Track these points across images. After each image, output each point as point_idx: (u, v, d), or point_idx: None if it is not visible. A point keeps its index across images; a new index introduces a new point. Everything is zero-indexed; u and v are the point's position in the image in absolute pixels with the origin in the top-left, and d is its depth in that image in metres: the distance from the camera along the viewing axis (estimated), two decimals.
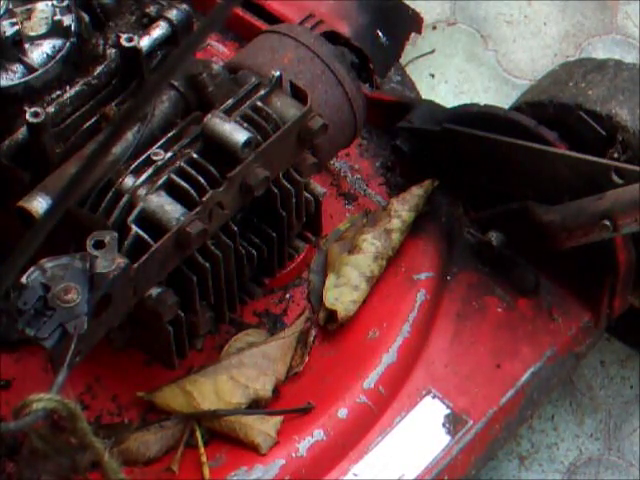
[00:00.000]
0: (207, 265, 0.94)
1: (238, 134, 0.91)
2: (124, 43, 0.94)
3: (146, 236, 0.88)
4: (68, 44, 0.94)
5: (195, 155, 0.92)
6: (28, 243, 0.47)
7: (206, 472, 1.00)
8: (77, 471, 0.90)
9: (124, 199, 0.89)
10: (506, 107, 1.16)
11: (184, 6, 1.00)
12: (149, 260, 0.86)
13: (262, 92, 0.97)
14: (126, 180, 0.90)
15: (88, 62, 0.96)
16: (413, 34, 1.39)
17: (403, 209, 1.14)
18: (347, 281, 1.10)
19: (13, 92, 0.92)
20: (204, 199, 0.90)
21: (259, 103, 0.96)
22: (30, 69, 0.92)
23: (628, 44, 1.65)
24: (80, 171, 0.45)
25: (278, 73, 0.98)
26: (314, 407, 1.04)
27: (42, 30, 0.94)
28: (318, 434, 1.02)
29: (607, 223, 1.02)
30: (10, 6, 0.95)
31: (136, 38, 0.94)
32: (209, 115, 0.92)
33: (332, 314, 1.09)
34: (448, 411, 1.07)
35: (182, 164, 0.91)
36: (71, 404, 0.75)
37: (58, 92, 0.93)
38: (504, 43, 1.65)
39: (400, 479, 1.04)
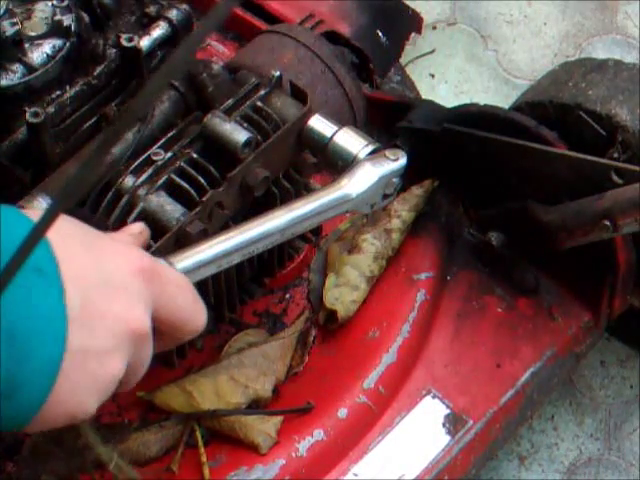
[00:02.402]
0: None
1: (238, 134, 0.91)
2: (124, 43, 0.94)
3: None
4: (68, 44, 0.94)
5: (195, 155, 0.92)
6: (27, 242, 0.47)
7: (206, 472, 1.00)
8: (83, 469, 0.90)
9: (124, 199, 0.89)
10: (506, 107, 1.16)
11: (184, 6, 1.00)
12: None
13: (262, 92, 0.97)
14: (126, 180, 0.90)
15: (88, 62, 0.95)
16: (413, 34, 1.39)
17: (403, 209, 1.14)
18: (347, 281, 1.10)
19: (13, 92, 0.92)
20: (204, 199, 0.90)
21: (259, 103, 0.96)
22: (30, 69, 0.92)
23: (628, 44, 1.65)
24: (80, 171, 0.45)
25: (278, 73, 0.98)
26: (314, 407, 1.04)
27: (42, 30, 0.94)
28: (318, 434, 1.02)
29: (607, 223, 1.02)
30: (10, 6, 0.95)
31: (136, 38, 0.94)
32: (209, 115, 0.92)
33: (332, 314, 1.09)
34: (448, 411, 1.07)
35: (182, 164, 0.91)
36: None
37: (58, 92, 0.93)
38: (504, 43, 1.65)
39: (400, 479, 1.04)
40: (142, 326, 0.64)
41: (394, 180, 0.90)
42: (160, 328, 0.68)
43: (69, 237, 0.62)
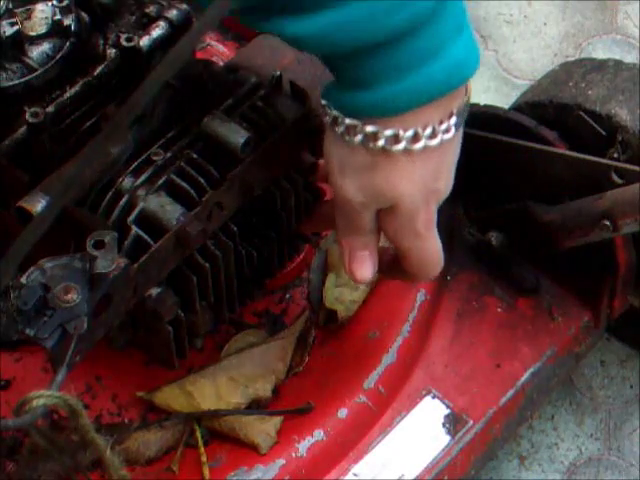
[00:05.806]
0: (207, 265, 0.94)
1: (238, 134, 0.91)
2: (124, 43, 0.94)
3: (146, 236, 0.88)
4: (68, 44, 0.94)
5: (195, 155, 0.92)
6: (24, 241, 0.47)
7: (206, 472, 1.00)
8: (79, 470, 0.90)
9: (124, 199, 0.89)
10: (506, 107, 1.16)
11: (184, 6, 1.00)
12: (149, 260, 0.86)
13: (262, 92, 0.97)
14: (126, 180, 0.90)
15: (88, 62, 0.95)
16: None
17: None
18: (347, 281, 1.10)
19: (13, 92, 0.92)
20: (204, 199, 0.90)
21: (259, 103, 0.96)
22: (30, 69, 0.92)
23: (628, 44, 1.65)
24: (78, 167, 0.45)
25: (278, 73, 0.98)
26: (314, 407, 1.04)
27: (42, 30, 0.94)
28: (318, 434, 1.02)
29: (607, 223, 1.02)
30: (10, 6, 0.95)
31: (136, 38, 0.94)
32: (209, 115, 0.92)
33: (332, 314, 1.09)
34: (448, 411, 1.07)
35: (182, 164, 0.91)
36: (72, 400, 0.75)
37: (58, 92, 0.93)
38: (504, 43, 1.65)
39: (400, 479, 1.04)
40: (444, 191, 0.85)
41: None
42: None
43: None
